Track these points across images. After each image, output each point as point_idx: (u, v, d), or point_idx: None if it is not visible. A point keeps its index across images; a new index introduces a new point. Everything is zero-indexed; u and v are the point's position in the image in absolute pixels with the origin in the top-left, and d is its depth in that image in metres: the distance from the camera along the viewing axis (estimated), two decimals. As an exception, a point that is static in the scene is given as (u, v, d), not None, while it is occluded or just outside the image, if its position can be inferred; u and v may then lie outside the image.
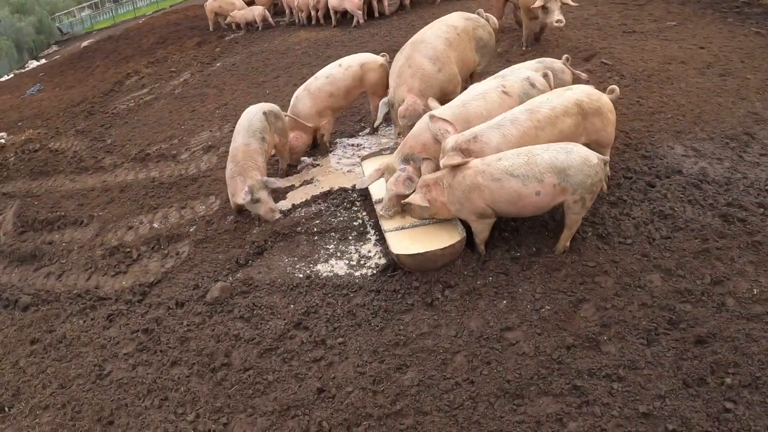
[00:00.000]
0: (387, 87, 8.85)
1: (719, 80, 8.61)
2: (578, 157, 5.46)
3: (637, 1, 12.80)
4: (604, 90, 6.43)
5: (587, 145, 6.05)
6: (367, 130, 9.81)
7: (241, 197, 7.53)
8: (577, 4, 7.95)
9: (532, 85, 6.74)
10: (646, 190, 6.58)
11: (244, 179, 7.63)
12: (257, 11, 18.14)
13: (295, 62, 13.86)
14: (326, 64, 9.17)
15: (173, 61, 17.13)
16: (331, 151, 9.46)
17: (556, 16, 9.56)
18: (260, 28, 18.28)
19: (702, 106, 8.00)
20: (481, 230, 6.06)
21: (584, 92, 6.22)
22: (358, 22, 16.13)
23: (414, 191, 6.32)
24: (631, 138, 7.54)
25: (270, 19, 18.25)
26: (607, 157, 6.00)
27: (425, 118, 6.77)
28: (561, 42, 11.01)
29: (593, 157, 5.51)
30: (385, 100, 8.29)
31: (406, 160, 6.75)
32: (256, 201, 7.56)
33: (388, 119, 9.05)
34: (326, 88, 8.81)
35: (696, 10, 11.56)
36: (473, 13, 8.76)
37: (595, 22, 11.69)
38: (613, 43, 10.49)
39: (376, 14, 16.13)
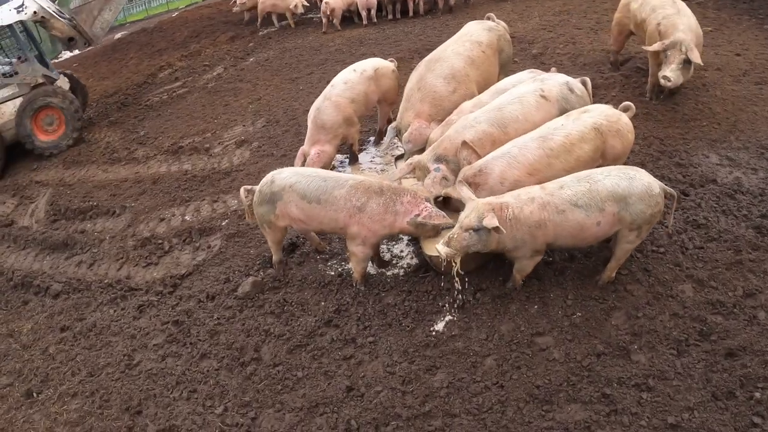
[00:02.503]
0: (397, 94, 8.77)
1: (755, 88, 8.54)
2: (640, 185, 5.18)
3: (673, 7, 12.68)
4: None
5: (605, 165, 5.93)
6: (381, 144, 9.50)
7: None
8: (704, 64, 7.50)
9: (571, 90, 6.56)
10: (680, 199, 6.54)
11: None
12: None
13: (328, 59, 13.87)
14: (358, 62, 9.10)
15: (206, 55, 17.17)
16: (363, 149, 9.43)
17: (665, 72, 7.59)
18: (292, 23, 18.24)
19: (737, 115, 7.95)
20: (527, 267, 5.67)
21: (603, 114, 5.93)
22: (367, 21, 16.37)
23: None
24: (666, 145, 7.51)
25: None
26: (674, 192, 5.47)
27: (464, 120, 6.65)
28: (596, 45, 10.96)
29: (656, 186, 5.23)
30: (393, 124, 8.05)
31: (439, 159, 6.55)
32: None
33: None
34: (347, 94, 8.40)
35: (732, 16, 11.42)
36: (484, 19, 8.54)
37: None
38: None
39: (411, 13, 16.09)
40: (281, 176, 6.30)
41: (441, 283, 6.14)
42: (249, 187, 6.64)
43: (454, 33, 8.47)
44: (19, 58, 13.00)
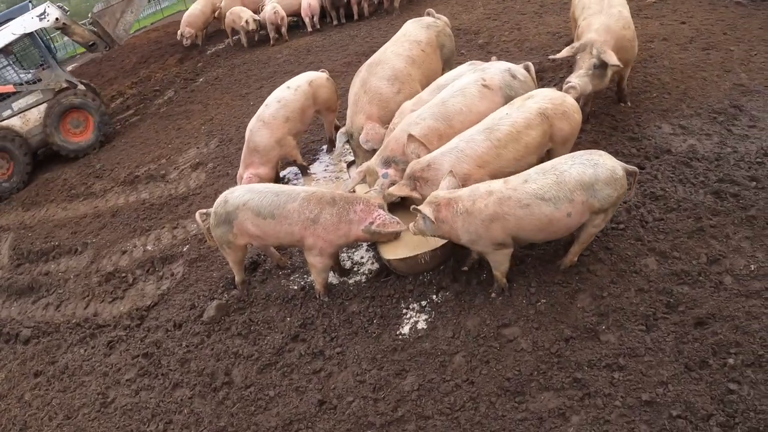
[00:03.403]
0: (337, 101, 8.75)
1: (702, 54, 8.55)
2: (605, 170, 5.06)
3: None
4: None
5: (552, 150, 5.91)
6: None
7: None
8: (621, 65, 7.03)
9: (514, 76, 6.50)
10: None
11: None
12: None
13: (277, 71, 13.83)
14: (308, 70, 9.03)
15: (156, 80, 17.13)
16: (316, 159, 9.34)
17: (570, 78, 6.79)
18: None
19: (687, 83, 7.94)
20: (501, 262, 5.48)
21: (547, 98, 5.85)
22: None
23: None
24: (618, 120, 7.49)
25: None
26: (636, 169, 5.35)
27: (408, 119, 6.60)
28: (541, 29, 10.96)
29: (619, 168, 5.12)
30: (342, 130, 7.90)
31: (387, 162, 6.51)
32: None
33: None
34: (281, 113, 8.16)
35: (675, -15, 11.47)
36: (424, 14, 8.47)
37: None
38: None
39: (356, 16, 16.04)
40: (234, 195, 6.23)
41: (403, 286, 6.08)
42: (204, 210, 6.57)
43: (401, 32, 8.39)
44: (41, 65, 13.55)
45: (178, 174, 10.52)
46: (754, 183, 5.96)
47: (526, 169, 5.33)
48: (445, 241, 5.87)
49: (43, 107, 13.36)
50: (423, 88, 7.51)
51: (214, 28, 19.79)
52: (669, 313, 4.97)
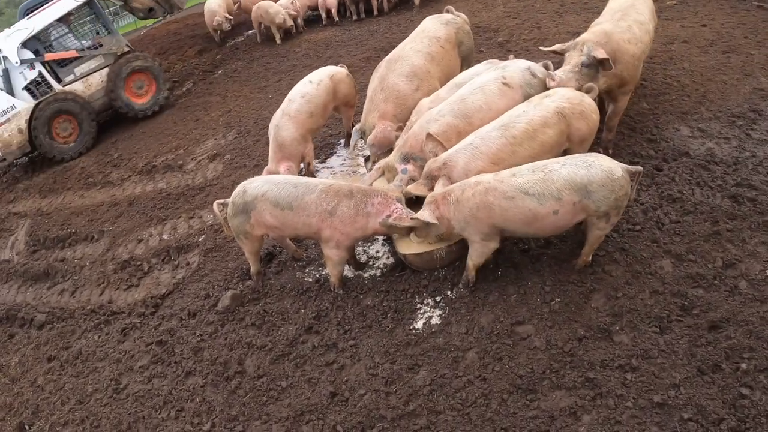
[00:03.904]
0: (356, 96, 8.75)
1: (723, 58, 8.50)
2: (600, 171, 5.00)
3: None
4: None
5: (570, 149, 5.89)
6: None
7: None
8: (611, 65, 6.58)
9: (533, 75, 6.50)
10: (653, 175, 6.52)
11: None
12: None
13: (296, 65, 13.84)
14: (327, 65, 9.02)
15: (175, 71, 17.17)
16: (333, 153, 9.37)
17: (556, 71, 6.56)
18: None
19: (706, 85, 7.90)
20: (480, 254, 5.61)
21: (564, 97, 5.85)
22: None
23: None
24: (636, 122, 7.47)
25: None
26: (640, 168, 5.25)
27: (427, 115, 6.61)
28: (561, 29, 10.93)
29: (617, 169, 5.04)
30: (357, 127, 7.90)
31: (406, 159, 6.53)
32: None
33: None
34: (305, 108, 8.04)
35: (697, -13, 11.40)
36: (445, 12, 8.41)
37: (594, 6, 11.50)
38: (614, 26, 10.30)
39: (375, 11, 16.04)
40: (253, 186, 6.25)
41: (418, 281, 6.09)
42: (221, 201, 6.59)
43: (420, 29, 8.38)
44: (99, 33, 14.57)
45: (195, 165, 10.57)
46: (772, 188, 5.94)
47: None
48: (461, 237, 5.85)
49: (104, 72, 14.12)
50: (441, 85, 7.49)
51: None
52: (683, 316, 4.96)
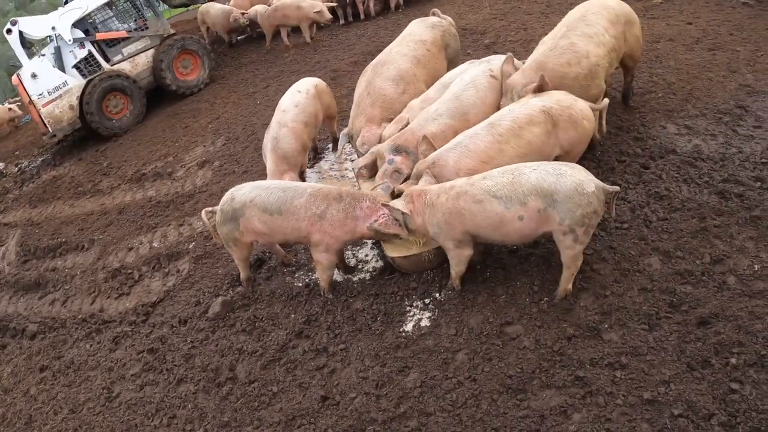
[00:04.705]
0: (336, 107, 8.77)
1: (709, 55, 8.52)
2: (570, 182, 4.81)
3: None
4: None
5: (562, 157, 5.80)
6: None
7: None
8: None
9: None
10: (640, 173, 6.52)
11: None
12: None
13: (284, 70, 13.84)
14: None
15: (165, 78, 17.21)
16: (322, 157, 9.36)
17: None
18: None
19: (693, 83, 7.92)
20: (458, 261, 5.56)
21: (554, 99, 5.80)
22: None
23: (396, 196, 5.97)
24: (623, 120, 7.48)
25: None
26: (617, 188, 5.02)
27: (425, 113, 6.62)
28: (547, 29, 10.84)
29: (590, 184, 4.83)
30: (345, 131, 7.95)
31: (398, 150, 6.46)
32: None
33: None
34: (300, 118, 7.95)
35: (682, -15, 11.42)
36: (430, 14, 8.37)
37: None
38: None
39: (362, 15, 16.01)
40: (241, 192, 6.25)
41: (407, 284, 6.10)
42: (209, 209, 6.60)
43: (408, 33, 8.38)
44: (139, 18, 15.46)
45: (184, 172, 10.58)
46: (759, 183, 5.95)
47: None
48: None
49: (149, 53, 14.98)
50: (428, 88, 7.47)
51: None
52: (672, 313, 4.96)
